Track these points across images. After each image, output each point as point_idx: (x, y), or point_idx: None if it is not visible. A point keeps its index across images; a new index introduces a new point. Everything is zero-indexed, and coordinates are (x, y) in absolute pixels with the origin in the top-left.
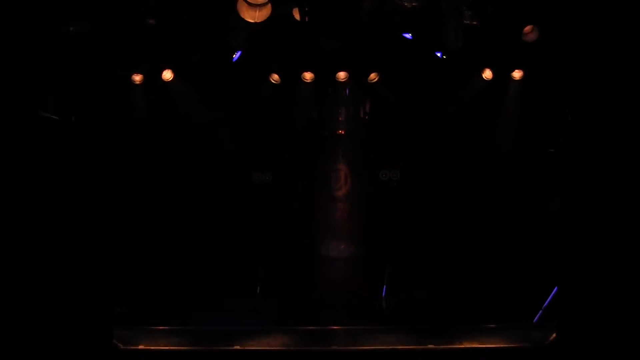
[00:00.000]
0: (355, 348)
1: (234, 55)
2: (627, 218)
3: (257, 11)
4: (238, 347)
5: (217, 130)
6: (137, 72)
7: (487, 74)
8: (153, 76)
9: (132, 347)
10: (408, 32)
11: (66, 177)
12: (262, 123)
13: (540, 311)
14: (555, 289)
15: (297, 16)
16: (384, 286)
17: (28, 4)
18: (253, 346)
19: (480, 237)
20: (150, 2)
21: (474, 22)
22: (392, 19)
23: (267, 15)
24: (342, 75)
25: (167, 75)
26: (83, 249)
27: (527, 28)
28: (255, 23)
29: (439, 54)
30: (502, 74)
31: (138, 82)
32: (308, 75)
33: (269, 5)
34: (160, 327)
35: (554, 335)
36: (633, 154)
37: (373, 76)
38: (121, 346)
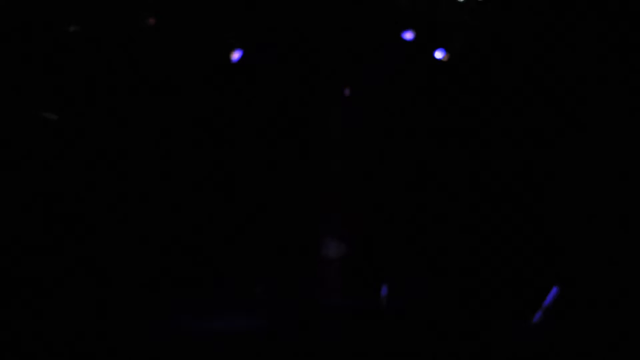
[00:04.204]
0: (354, 348)
1: (235, 55)
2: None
3: None
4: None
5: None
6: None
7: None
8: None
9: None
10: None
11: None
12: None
13: (540, 311)
14: (555, 289)
15: None
16: (384, 286)
17: (28, 3)
18: (252, 347)
19: (480, 237)
20: (151, 1)
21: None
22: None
23: None
24: None
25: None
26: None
27: None
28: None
29: (438, 55)
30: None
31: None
32: None
33: None
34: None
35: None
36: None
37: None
38: None
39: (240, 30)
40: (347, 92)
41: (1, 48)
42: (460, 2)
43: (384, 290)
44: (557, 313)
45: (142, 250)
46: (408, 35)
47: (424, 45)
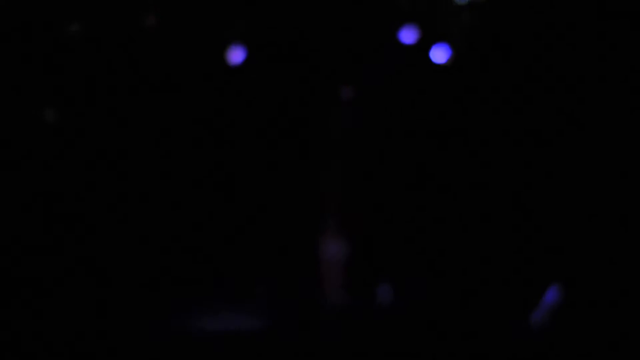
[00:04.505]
0: (354, 348)
1: (238, 56)
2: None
3: None
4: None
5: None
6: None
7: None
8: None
9: None
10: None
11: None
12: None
13: (539, 311)
14: (555, 288)
15: None
16: (384, 286)
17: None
18: (252, 347)
19: (481, 235)
20: (151, 1)
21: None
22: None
23: None
24: None
25: None
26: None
27: None
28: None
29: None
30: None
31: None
32: None
33: None
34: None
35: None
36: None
37: None
38: None
39: (240, 30)
40: (347, 92)
41: (1, 48)
42: (460, 2)
43: (383, 290)
44: (557, 313)
45: (142, 250)
46: (409, 37)
47: (424, 46)
